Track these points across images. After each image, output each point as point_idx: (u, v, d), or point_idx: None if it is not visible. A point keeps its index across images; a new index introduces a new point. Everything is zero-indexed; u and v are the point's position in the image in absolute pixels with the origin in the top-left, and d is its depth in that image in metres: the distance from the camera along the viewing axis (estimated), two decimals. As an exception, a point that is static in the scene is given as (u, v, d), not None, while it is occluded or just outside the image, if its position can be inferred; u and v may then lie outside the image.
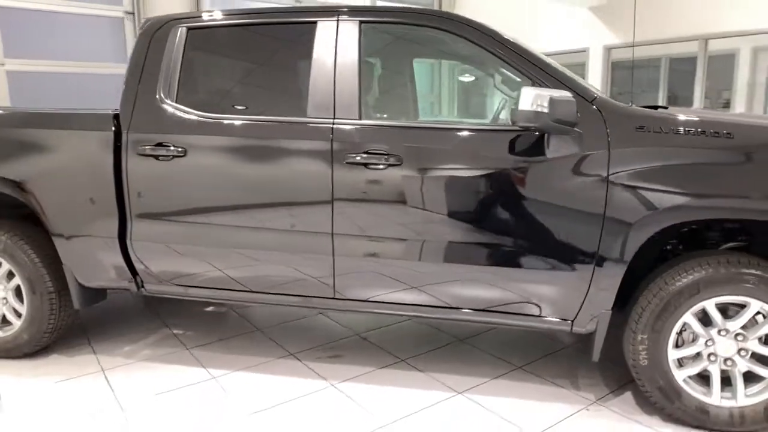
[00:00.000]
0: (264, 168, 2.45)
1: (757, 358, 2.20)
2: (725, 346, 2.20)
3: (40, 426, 2.30)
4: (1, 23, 4.98)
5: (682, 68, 7.14)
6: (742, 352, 2.19)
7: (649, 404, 2.39)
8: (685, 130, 2.12)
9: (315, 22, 2.48)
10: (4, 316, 2.90)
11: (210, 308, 3.72)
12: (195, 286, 2.66)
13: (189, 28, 2.62)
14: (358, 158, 2.31)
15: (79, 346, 3.06)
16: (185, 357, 2.95)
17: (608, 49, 6.34)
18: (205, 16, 2.66)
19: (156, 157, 2.51)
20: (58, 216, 2.67)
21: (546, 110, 2.00)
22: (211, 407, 2.45)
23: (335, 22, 2.46)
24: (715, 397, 2.22)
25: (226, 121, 2.49)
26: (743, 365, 2.20)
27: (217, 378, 2.71)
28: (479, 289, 2.33)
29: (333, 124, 2.37)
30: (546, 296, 2.27)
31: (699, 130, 2.12)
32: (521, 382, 2.66)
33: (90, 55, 5.42)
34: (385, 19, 2.50)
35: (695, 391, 2.24)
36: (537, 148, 2.19)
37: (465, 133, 2.32)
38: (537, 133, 2.17)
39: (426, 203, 2.30)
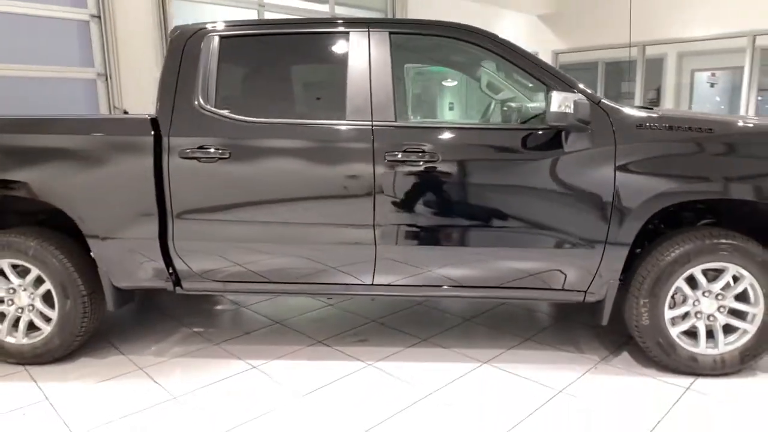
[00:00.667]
0: (309, 167, 2.64)
1: (732, 313, 2.66)
2: (708, 305, 2.65)
3: (111, 420, 2.37)
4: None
5: (613, 70, 7.92)
6: (721, 309, 2.66)
7: (645, 359, 2.81)
8: (675, 127, 2.55)
9: (347, 33, 2.71)
10: (31, 323, 2.89)
11: (220, 306, 3.83)
12: (236, 281, 2.80)
13: (222, 37, 2.76)
14: (399, 156, 2.57)
15: (104, 350, 3.09)
16: (217, 351, 3.07)
17: (556, 54, 6.92)
18: (238, 25, 2.81)
19: (199, 159, 2.64)
20: (95, 220, 2.72)
21: (571, 111, 2.36)
22: (263, 393, 2.61)
23: (366, 32, 2.70)
24: (702, 348, 2.68)
25: (270, 124, 2.66)
26: (722, 320, 2.66)
27: (257, 367, 2.86)
28: (511, 266, 2.66)
29: (372, 125, 2.61)
30: (568, 271, 2.63)
31: (686, 126, 2.55)
32: (534, 351, 3.02)
33: (55, 59, 5.27)
34: (413, 31, 2.77)
35: (686, 344, 2.68)
36: (557, 143, 2.54)
37: (493, 132, 2.64)
38: (557, 130, 2.52)
39: (464, 195, 2.59)
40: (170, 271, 2.81)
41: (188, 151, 2.64)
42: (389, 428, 2.30)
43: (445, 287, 2.74)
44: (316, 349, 3.08)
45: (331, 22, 2.86)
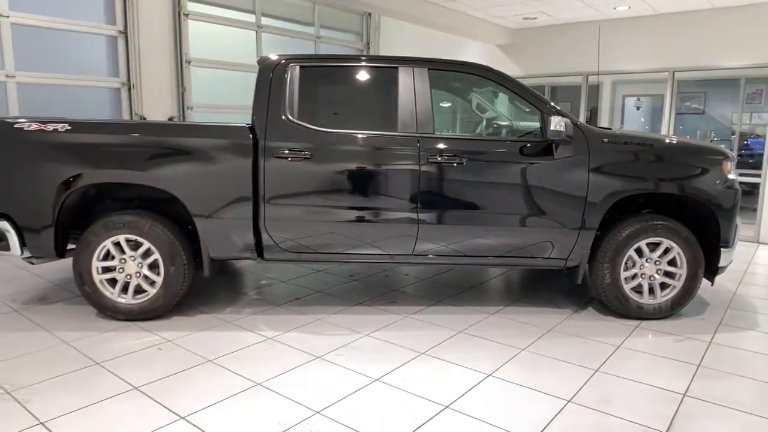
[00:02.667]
0: (370, 165, 3.54)
1: (666, 274, 3.79)
2: (650, 268, 3.77)
3: (231, 351, 3.15)
4: (13, 39, 5.30)
5: (554, 92, 9.31)
6: (659, 272, 3.78)
7: (605, 312, 3.89)
8: (628, 142, 3.67)
9: (397, 68, 3.65)
10: (139, 286, 3.60)
11: (265, 281, 4.62)
12: (309, 252, 3.64)
13: (302, 66, 3.63)
14: (438, 158, 3.53)
15: (189, 311, 3.82)
16: (282, 311, 3.88)
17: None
18: (313, 58, 3.68)
19: (288, 158, 3.49)
20: (202, 203, 3.49)
21: (563, 129, 3.41)
22: (337, 334, 3.46)
23: (411, 68, 3.65)
24: (646, 299, 3.79)
25: (340, 133, 3.55)
26: (659, 279, 3.79)
27: (322, 318, 3.71)
28: (514, 241, 3.66)
29: (417, 135, 3.56)
30: (557, 243, 3.67)
31: (635, 142, 3.67)
32: (524, 307, 4.04)
33: (87, 69, 5.85)
34: (445, 68, 3.75)
35: (635, 297, 3.78)
36: (549, 152, 3.58)
37: (504, 143, 3.66)
38: (549, 143, 3.56)
39: (482, 189, 3.58)
40: (257, 244, 3.62)
41: (280, 152, 3.48)
42: (441, 348, 3.23)
43: (467, 256, 3.71)
44: (361, 307, 3.96)
45: (384, 59, 3.76)
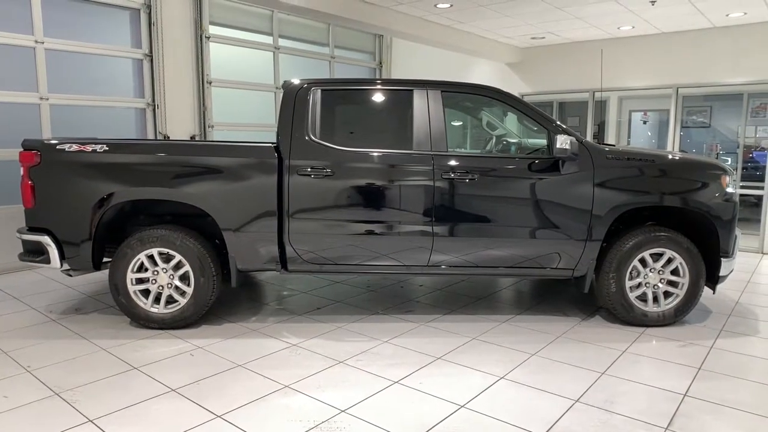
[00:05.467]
0: (388, 182, 3.77)
1: (669, 283, 3.97)
2: (653, 277, 3.95)
3: (261, 355, 3.37)
4: (46, 63, 5.62)
5: (562, 108, 9.54)
6: (662, 281, 3.96)
7: (611, 320, 4.07)
8: (631, 158, 3.88)
9: (412, 90, 3.90)
10: (170, 297, 3.84)
11: (286, 292, 4.84)
12: (330, 263, 3.87)
13: (323, 90, 3.89)
14: (452, 175, 3.76)
15: (215, 320, 4.05)
16: (304, 319, 4.10)
17: (522, 95, 8.39)
18: (333, 82, 3.94)
19: (311, 175, 3.73)
20: (230, 219, 3.74)
21: (568, 147, 3.63)
22: (359, 341, 3.67)
23: (425, 90, 3.90)
24: (650, 307, 3.97)
25: (359, 152, 3.79)
26: (663, 288, 3.97)
27: (343, 327, 3.92)
28: (524, 252, 3.87)
29: (432, 153, 3.79)
30: (564, 254, 3.87)
31: (638, 158, 3.88)
32: (534, 316, 4.23)
33: (115, 90, 6.17)
34: (457, 90, 3.99)
35: (640, 305, 3.96)
36: (556, 168, 3.80)
37: (513, 160, 3.88)
38: (555, 160, 3.78)
39: (493, 203, 3.80)
40: (281, 257, 3.85)
41: (303, 169, 3.73)
42: (456, 353, 3.43)
43: (478, 267, 3.92)
44: (378, 316, 4.17)
45: (400, 82, 4.01)
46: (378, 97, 4.03)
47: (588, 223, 3.82)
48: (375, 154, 3.81)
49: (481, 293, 4.81)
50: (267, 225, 3.76)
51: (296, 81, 3.94)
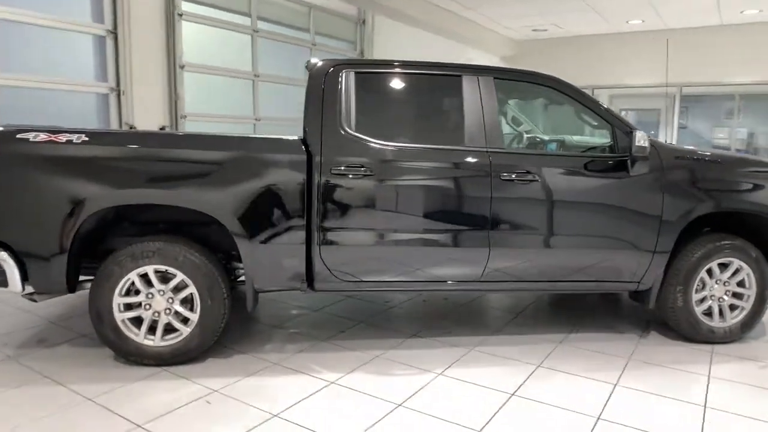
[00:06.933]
0: (439, 184, 3.18)
1: (734, 295, 3.61)
2: (719, 290, 3.58)
3: (295, 398, 2.70)
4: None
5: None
6: (727, 293, 3.59)
7: (672, 335, 3.67)
8: (699, 158, 3.47)
9: (460, 76, 3.32)
10: (168, 326, 3.08)
11: (294, 311, 4.15)
12: (370, 281, 3.24)
13: (357, 73, 3.24)
14: (512, 175, 3.21)
15: (221, 351, 3.31)
16: (332, 346, 3.43)
17: (515, 90, 8.02)
18: (366, 63, 3.31)
19: (347, 175, 3.08)
20: (248, 228, 3.02)
21: (647, 145, 3.17)
22: (408, 371, 3.07)
23: (476, 76, 3.33)
24: (716, 322, 3.59)
25: (404, 148, 3.18)
26: (728, 301, 3.60)
27: (380, 356, 3.30)
28: (585, 262, 3.38)
29: (487, 150, 3.23)
30: (631, 265, 3.41)
31: (705, 158, 3.48)
32: (587, 334, 3.74)
33: (73, 72, 5.22)
34: (512, 77, 3.44)
35: (706, 320, 3.58)
36: (623, 169, 3.33)
37: (580, 159, 3.37)
38: (622, 159, 3.32)
39: (559, 207, 3.28)
40: (308, 273, 3.18)
41: (337, 168, 3.07)
42: (531, 388, 2.90)
43: (537, 282, 3.40)
44: (416, 340, 3.57)
45: (446, 66, 3.41)
46: (421, 83, 3.41)
47: (657, 230, 3.38)
48: (422, 150, 3.21)
49: (511, 309, 4.31)
50: (292, 235, 3.08)
51: (321, 62, 3.27)
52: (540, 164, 3.30)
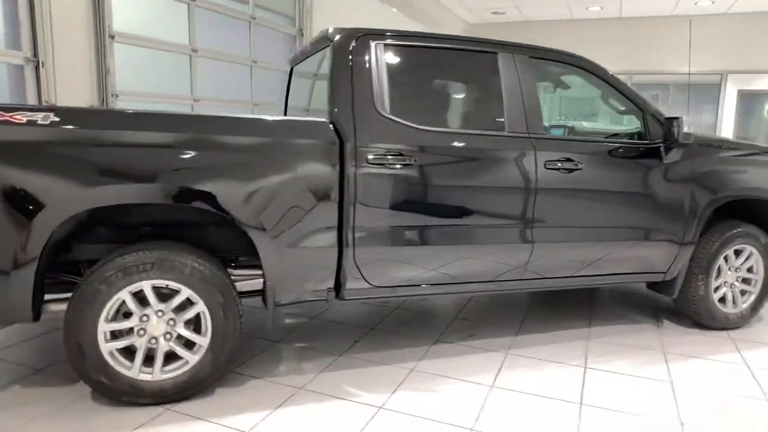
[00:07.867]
0: (486, 173, 2.82)
1: (743, 281, 3.64)
2: (732, 276, 3.59)
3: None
4: None
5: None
6: (738, 279, 3.62)
7: (687, 323, 3.64)
8: (726, 147, 3.43)
9: (496, 53, 2.98)
10: (171, 354, 2.47)
11: (289, 321, 3.61)
12: (410, 285, 2.82)
13: (386, 45, 2.78)
14: (557, 164, 2.94)
15: (228, 378, 2.75)
16: (354, 361, 2.99)
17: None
18: (399, 35, 2.83)
19: (385, 165, 2.63)
20: (272, 230, 2.48)
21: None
22: (454, 385, 2.71)
23: (512, 54, 3.00)
24: (730, 308, 3.60)
25: (446, 133, 2.78)
26: (739, 287, 3.62)
27: (414, 367, 2.91)
28: (625, 254, 3.21)
29: (530, 137, 2.93)
30: (662, 255, 3.30)
31: (727, 146, 3.44)
32: (607, 327, 3.60)
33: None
34: (546, 56, 3.13)
35: (722, 307, 3.57)
36: (656, 156, 3.19)
37: (622, 147, 3.16)
38: (656, 146, 3.17)
39: (602, 198, 3.07)
40: (337, 280, 2.71)
41: (375, 157, 2.61)
42: (594, 394, 2.67)
43: (576, 277, 3.18)
44: (442, 346, 3.22)
45: (480, 41, 3.01)
46: (454, 59, 3.00)
47: (686, 219, 3.29)
48: (466, 136, 2.84)
49: (518, 304, 4.09)
50: (324, 236, 2.59)
51: (340, 31, 2.78)
52: (585, 151, 3.06)
